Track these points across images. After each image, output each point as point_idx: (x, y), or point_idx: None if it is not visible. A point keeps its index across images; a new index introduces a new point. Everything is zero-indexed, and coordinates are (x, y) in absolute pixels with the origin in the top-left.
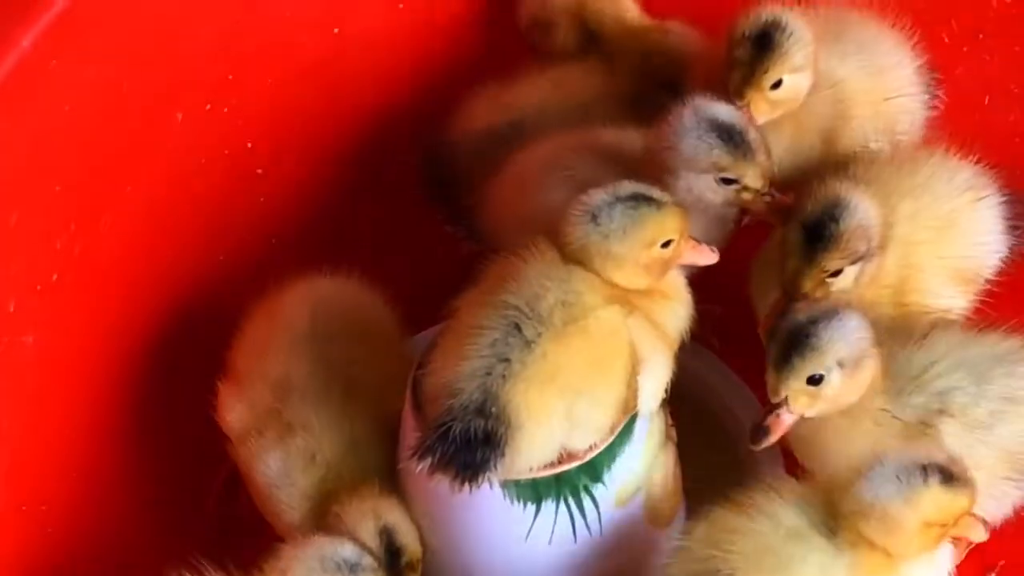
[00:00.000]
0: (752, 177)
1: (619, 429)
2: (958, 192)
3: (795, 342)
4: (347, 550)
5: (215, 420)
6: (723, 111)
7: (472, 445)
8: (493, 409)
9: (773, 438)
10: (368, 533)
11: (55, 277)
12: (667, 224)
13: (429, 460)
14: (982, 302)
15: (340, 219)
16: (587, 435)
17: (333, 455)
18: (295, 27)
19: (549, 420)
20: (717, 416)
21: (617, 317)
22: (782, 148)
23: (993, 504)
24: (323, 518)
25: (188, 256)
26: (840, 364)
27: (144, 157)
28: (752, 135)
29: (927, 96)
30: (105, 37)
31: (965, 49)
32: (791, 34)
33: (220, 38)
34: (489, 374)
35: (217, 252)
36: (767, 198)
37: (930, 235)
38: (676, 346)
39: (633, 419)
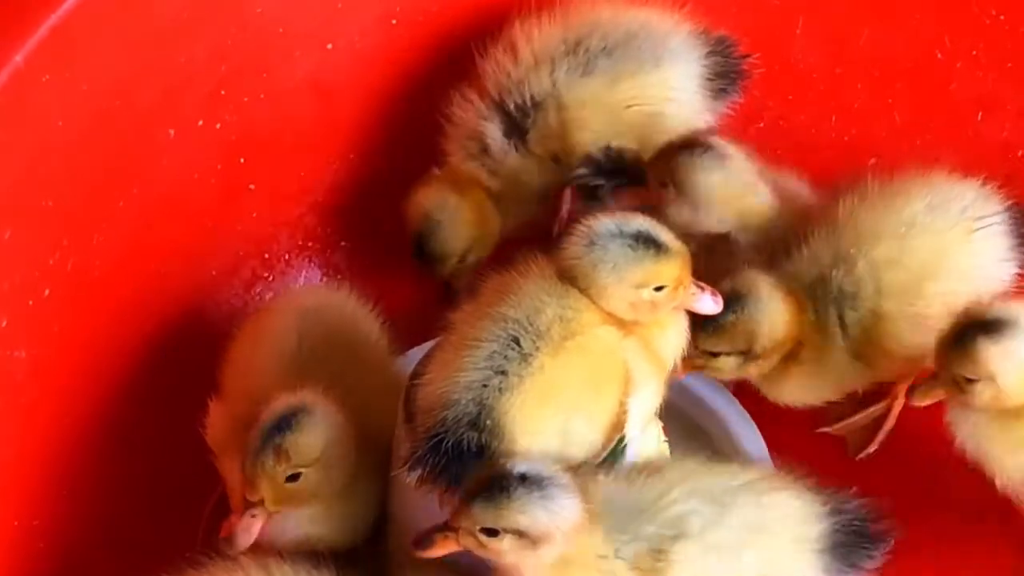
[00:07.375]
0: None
1: (609, 447)
2: (952, 223)
3: (490, 489)
4: None
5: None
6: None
7: (464, 458)
8: (488, 422)
9: (430, 555)
10: None
11: (47, 292)
12: (662, 272)
13: (419, 471)
14: None
15: (333, 234)
16: (579, 451)
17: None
18: (288, 43)
19: (544, 435)
20: (710, 434)
21: (614, 336)
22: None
23: None
24: None
25: (180, 271)
26: (518, 534)
27: (137, 172)
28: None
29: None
30: (98, 53)
31: (959, 65)
32: None
33: (213, 54)
34: (486, 386)
35: (210, 267)
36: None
37: (909, 279)
38: (668, 372)
39: (624, 438)
